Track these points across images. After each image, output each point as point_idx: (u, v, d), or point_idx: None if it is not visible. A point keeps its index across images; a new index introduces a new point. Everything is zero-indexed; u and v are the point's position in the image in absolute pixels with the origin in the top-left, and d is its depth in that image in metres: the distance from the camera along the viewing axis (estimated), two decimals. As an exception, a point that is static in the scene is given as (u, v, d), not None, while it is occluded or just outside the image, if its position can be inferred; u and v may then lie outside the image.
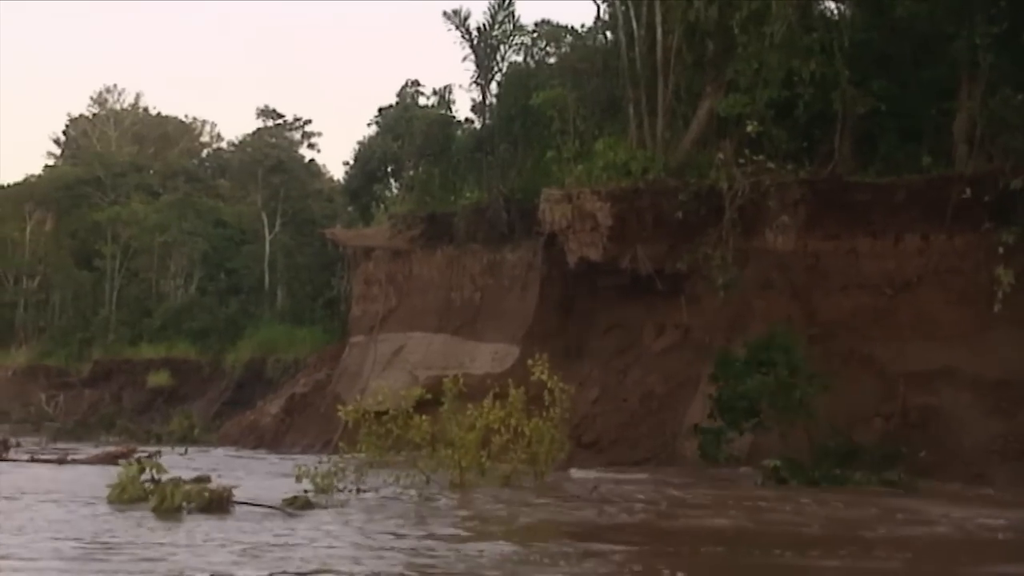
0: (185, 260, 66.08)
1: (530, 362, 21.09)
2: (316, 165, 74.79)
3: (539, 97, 36.81)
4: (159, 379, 57.53)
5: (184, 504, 15.92)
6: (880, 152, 31.41)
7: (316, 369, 44.08)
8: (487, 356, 35.94)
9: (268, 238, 63.19)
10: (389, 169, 55.78)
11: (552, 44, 43.11)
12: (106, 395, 59.33)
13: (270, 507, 16.53)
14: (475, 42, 40.09)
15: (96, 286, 68.85)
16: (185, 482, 16.80)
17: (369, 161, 56.93)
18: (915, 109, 31.42)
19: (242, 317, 60.82)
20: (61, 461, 23.78)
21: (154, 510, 16.01)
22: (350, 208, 61.57)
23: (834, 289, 30.96)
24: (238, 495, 16.79)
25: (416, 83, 52.07)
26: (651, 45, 34.03)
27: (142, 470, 16.81)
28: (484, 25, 40.52)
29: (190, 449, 40.67)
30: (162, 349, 59.68)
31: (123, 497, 16.71)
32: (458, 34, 40.57)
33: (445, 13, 40.64)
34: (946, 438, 27.97)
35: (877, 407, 29.31)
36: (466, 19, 40.47)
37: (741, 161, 30.66)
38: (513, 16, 41.00)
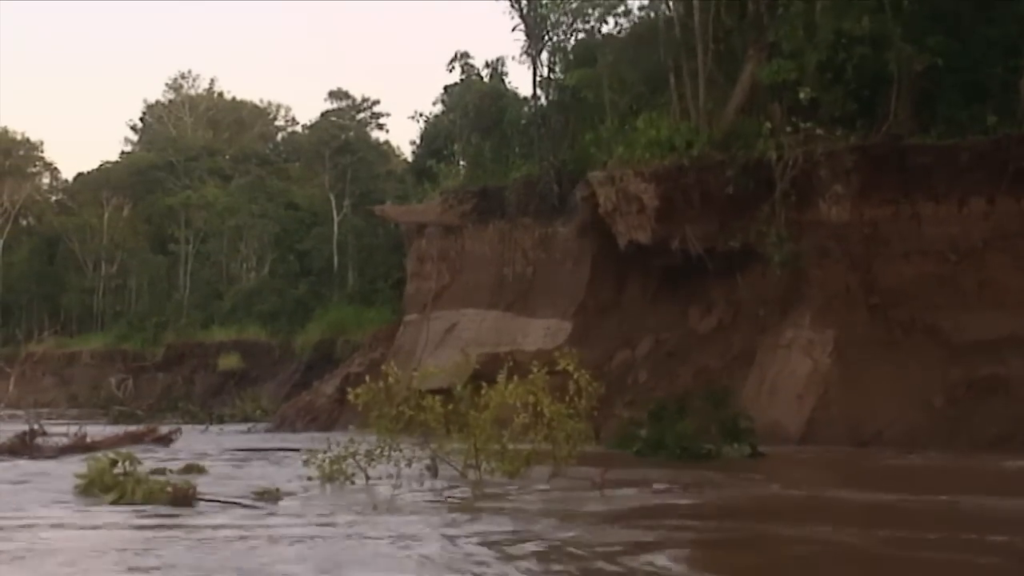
0: (256, 243, 66.42)
1: (557, 354, 20.26)
2: (389, 146, 74.82)
3: (573, 77, 35.72)
4: (230, 362, 57.88)
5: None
6: (942, 113, 29.88)
7: (371, 349, 43.63)
8: (540, 332, 35.12)
9: (336, 219, 63.18)
10: (455, 147, 55.18)
11: (604, 11, 41.73)
12: (179, 378, 59.95)
13: (235, 502, 15.76)
14: (524, 11, 39.14)
15: (171, 270, 69.71)
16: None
17: (435, 139, 56.54)
18: (980, 67, 29.85)
19: (312, 299, 60.92)
20: (76, 447, 23.27)
21: (112, 504, 15.45)
22: (425, 187, 61.31)
23: (895, 256, 29.53)
24: (206, 490, 16.21)
25: (466, 55, 51.03)
26: (689, 10, 32.71)
27: (114, 463, 16.16)
28: (533, -8, 39.52)
29: (249, 428, 40.94)
30: (233, 332, 60.10)
31: (92, 490, 16.16)
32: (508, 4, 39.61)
33: (495, -21, 39.78)
34: (1014, 408, 26.63)
35: (941, 377, 28.00)
36: (517, -14, 39.48)
37: (789, 129, 29.30)
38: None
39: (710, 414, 26.31)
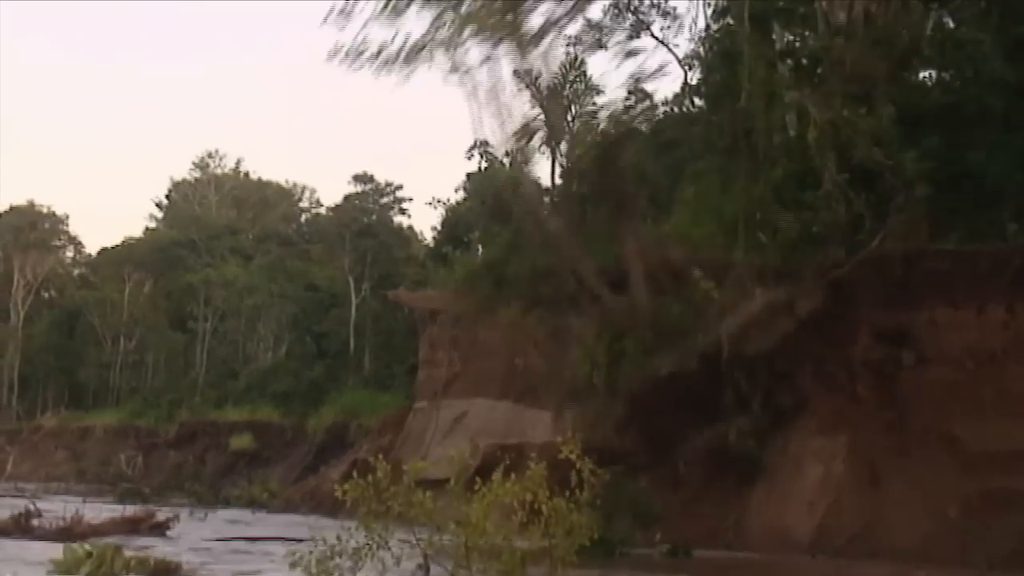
0: (274, 323, 66.45)
1: (559, 439, 19.59)
2: (412, 231, 74.94)
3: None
4: (241, 442, 57.52)
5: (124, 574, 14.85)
6: (960, 219, 29.50)
7: (380, 435, 43.21)
8: (548, 424, 34.56)
9: (355, 302, 63.15)
10: (477, 234, 55.23)
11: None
12: (190, 457, 59.53)
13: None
14: (544, 101, 39.06)
15: (188, 348, 69.67)
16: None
17: (456, 226, 56.65)
18: (998, 174, 29.55)
19: (327, 381, 60.70)
20: (67, 531, 22.68)
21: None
22: (440, 273, 61.21)
23: (910, 362, 29.02)
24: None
25: (485, 143, 50.94)
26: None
27: (89, 555, 15.74)
28: (554, 84, 39.51)
29: (254, 514, 40.30)
30: (246, 412, 59.84)
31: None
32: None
33: (515, 71, 39.65)
34: (1031, 525, 25.84)
35: (956, 488, 27.23)
36: (537, 78, 39.48)
37: (716, 294, 27.90)
38: (585, 76, 40.07)
39: (612, 503, 25.70)
